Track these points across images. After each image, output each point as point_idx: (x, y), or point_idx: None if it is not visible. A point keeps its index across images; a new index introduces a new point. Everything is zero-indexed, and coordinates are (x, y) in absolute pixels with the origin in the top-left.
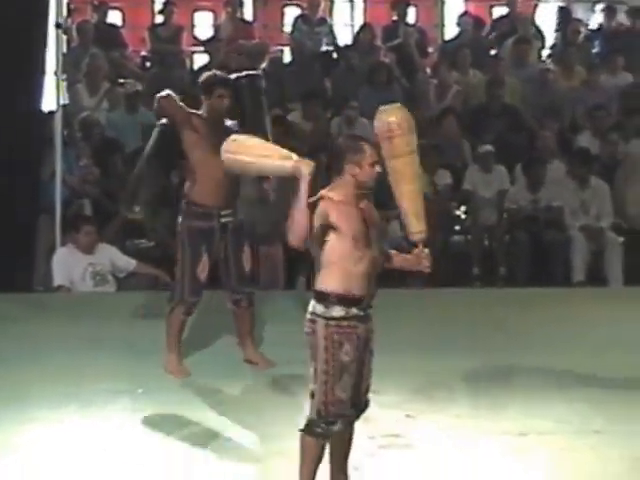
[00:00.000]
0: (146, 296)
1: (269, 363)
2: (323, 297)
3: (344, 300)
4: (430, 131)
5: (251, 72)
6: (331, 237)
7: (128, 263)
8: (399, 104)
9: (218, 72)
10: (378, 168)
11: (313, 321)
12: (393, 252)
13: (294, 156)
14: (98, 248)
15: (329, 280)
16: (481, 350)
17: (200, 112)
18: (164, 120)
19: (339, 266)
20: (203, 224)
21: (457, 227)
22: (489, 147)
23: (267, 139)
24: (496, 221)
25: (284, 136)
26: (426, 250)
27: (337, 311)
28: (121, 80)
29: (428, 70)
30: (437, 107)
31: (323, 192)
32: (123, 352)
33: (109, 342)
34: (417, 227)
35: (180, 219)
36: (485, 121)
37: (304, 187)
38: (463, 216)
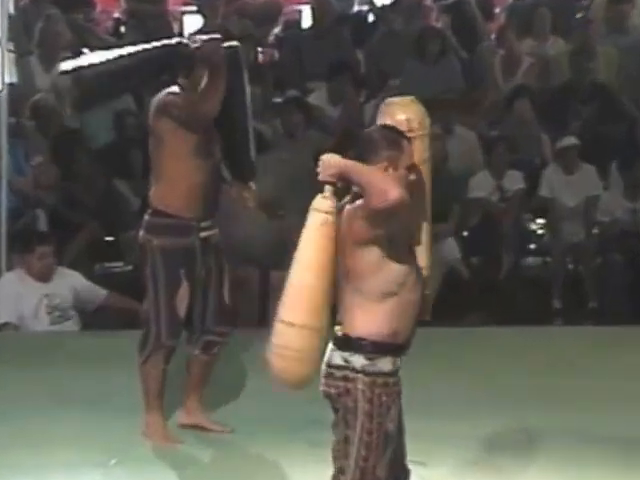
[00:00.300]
0: (120, 337)
1: (222, 427)
2: (363, 344)
3: (393, 348)
4: (496, 119)
5: (231, 44)
6: (379, 253)
7: (97, 294)
8: (412, 97)
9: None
10: (413, 175)
11: (347, 378)
12: None
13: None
14: (56, 274)
15: (375, 319)
16: (559, 407)
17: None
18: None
19: (396, 298)
20: (180, 241)
21: (532, 246)
22: (574, 140)
23: (246, 133)
24: (584, 238)
25: (303, 125)
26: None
27: (386, 364)
28: (87, 51)
29: (493, 37)
30: (505, 87)
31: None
32: (90, 411)
33: (72, 398)
34: (419, 261)
35: (146, 236)
36: (569, 105)
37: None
38: (540, 231)
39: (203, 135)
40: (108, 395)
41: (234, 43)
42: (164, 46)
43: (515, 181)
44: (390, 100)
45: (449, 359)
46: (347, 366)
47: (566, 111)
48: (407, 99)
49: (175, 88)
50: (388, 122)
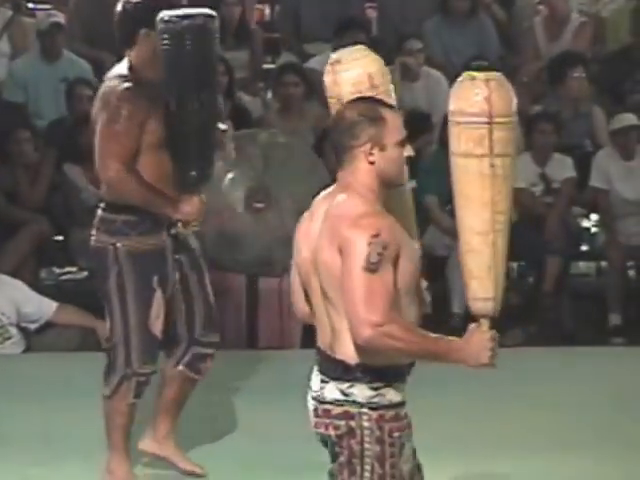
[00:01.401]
0: (73, 361)
1: (196, 467)
2: (366, 372)
3: (400, 374)
4: (539, 92)
5: (199, 11)
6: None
7: (44, 307)
8: (499, 73)
9: None
10: (409, 149)
11: (348, 415)
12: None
13: None
14: None
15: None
16: (622, 449)
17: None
18: None
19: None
20: (150, 241)
21: (584, 247)
22: (631, 118)
23: (217, 116)
24: None
25: (301, 97)
26: (491, 331)
27: (394, 394)
28: (31, 6)
29: None
30: (548, 52)
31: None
32: (34, 455)
33: (10, 437)
34: (484, 290)
35: (105, 238)
36: (629, 76)
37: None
38: (593, 230)
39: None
40: (56, 434)
41: (207, 12)
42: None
43: (563, 168)
44: (471, 74)
45: (482, 386)
46: (347, 400)
47: (625, 83)
48: (490, 75)
49: (124, 69)
50: (461, 102)
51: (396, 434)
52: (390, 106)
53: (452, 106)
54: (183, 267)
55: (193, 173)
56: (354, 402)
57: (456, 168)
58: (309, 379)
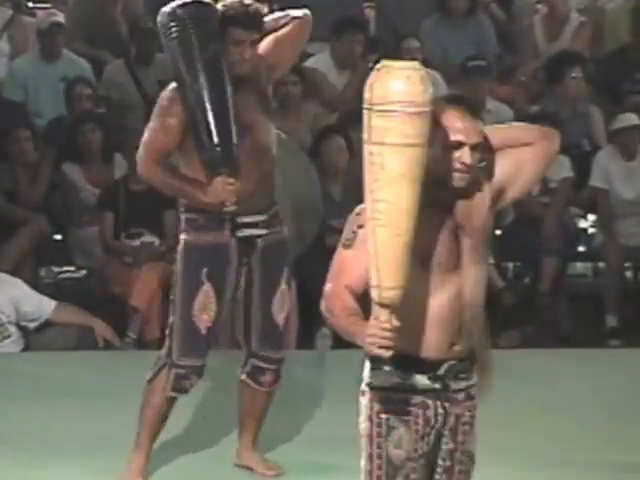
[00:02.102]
0: (72, 360)
1: (272, 470)
2: (370, 357)
3: (401, 361)
4: (537, 91)
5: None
6: None
7: (43, 306)
8: (413, 63)
9: None
10: (466, 156)
11: (361, 392)
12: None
13: None
14: None
15: None
16: (621, 452)
17: None
18: None
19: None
20: (206, 237)
21: (581, 248)
22: (633, 118)
23: (226, 112)
24: None
25: (299, 96)
26: (393, 320)
27: (387, 377)
28: (30, 5)
29: None
30: (548, 52)
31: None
32: (34, 450)
33: (11, 434)
34: (389, 279)
35: (179, 234)
36: (628, 74)
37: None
38: (591, 231)
39: None
40: (55, 432)
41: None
42: None
43: (560, 168)
44: (387, 63)
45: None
46: (363, 378)
47: (624, 83)
48: (410, 65)
49: None
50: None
51: (383, 416)
52: (460, 104)
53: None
54: (252, 274)
55: (217, 150)
56: (362, 379)
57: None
58: (304, 380)
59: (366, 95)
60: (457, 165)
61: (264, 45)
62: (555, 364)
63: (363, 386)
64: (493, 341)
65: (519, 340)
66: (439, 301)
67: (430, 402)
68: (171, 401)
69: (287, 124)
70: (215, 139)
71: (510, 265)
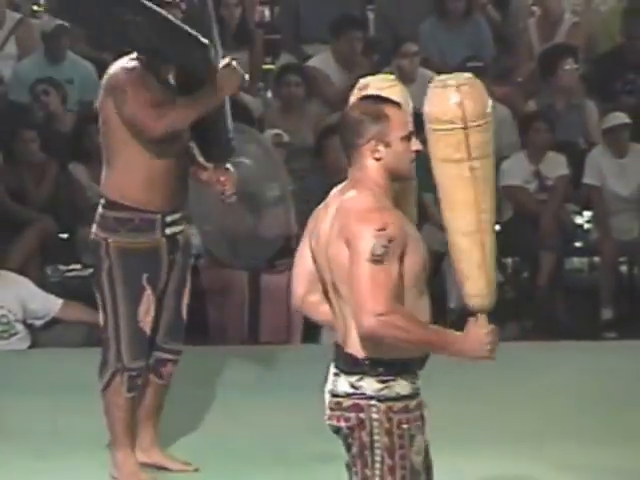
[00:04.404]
0: (78, 356)
1: (185, 464)
2: (373, 365)
3: (408, 367)
4: (534, 90)
5: None
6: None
7: (49, 304)
8: (469, 75)
9: None
10: (416, 143)
11: (358, 407)
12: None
13: None
14: (0, 280)
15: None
16: (615, 443)
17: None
18: None
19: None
20: (142, 239)
21: (577, 244)
22: (622, 117)
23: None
24: (639, 234)
25: (302, 96)
26: (489, 325)
27: (402, 387)
28: (36, 8)
29: None
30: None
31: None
32: (41, 448)
33: (19, 429)
34: (477, 288)
35: (99, 233)
36: (621, 75)
37: None
38: (587, 226)
39: None
40: (62, 428)
41: None
42: None
43: (557, 166)
44: (444, 78)
45: (478, 379)
46: (356, 392)
47: (616, 83)
48: (467, 77)
49: (133, 62)
50: (436, 108)
51: (405, 426)
52: (395, 102)
53: (427, 113)
54: (173, 269)
55: (230, 137)
56: (363, 394)
57: (438, 173)
58: (309, 374)
59: (454, 114)
60: (412, 155)
61: None
62: (553, 356)
63: (371, 402)
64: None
65: (518, 333)
66: (425, 303)
67: (421, 399)
68: (132, 400)
69: (290, 124)
70: (229, 130)
71: (509, 260)
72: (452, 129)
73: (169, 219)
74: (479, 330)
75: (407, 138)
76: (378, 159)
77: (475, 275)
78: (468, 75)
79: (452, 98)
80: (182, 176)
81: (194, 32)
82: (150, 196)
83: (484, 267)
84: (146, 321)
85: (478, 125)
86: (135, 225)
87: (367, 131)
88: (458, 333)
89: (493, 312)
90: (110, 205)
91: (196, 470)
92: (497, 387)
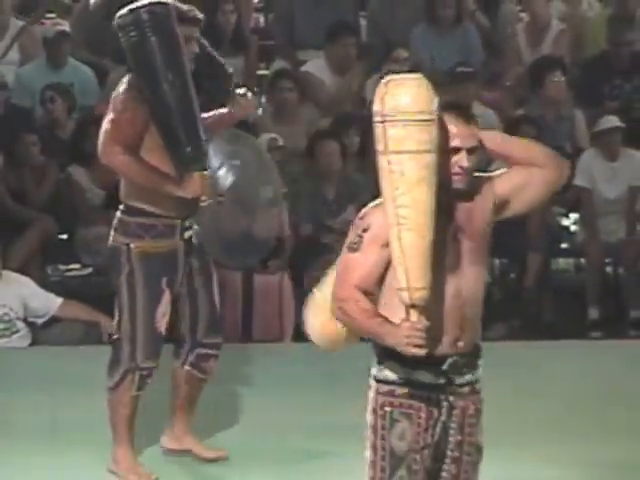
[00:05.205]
0: (77, 354)
1: (215, 452)
2: (375, 348)
3: (398, 355)
4: (522, 96)
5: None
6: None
7: (49, 303)
8: (416, 75)
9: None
10: (463, 159)
11: (370, 387)
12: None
13: None
14: (1, 280)
15: None
16: (602, 437)
17: None
18: None
19: (394, 306)
20: (162, 244)
21: (564, 245)
22: (615, 120)
23: (192, 110)
24: (625, 236)
25: (296, 102)
26: (422, 320)
27: (392, 372)
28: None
29: None
30: (531, 58)
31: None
32: (42, 444)
33: (19, 426)
34: (418, 280)
35: (120, 238)
36: (607, 80)
37: None
38: (573, 228)
39: None
40: (62, 424)
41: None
42: None
43: None
44: (391, 78)
45: None
46: (369, 373)
47: (604, 87)
48: (411, 77)
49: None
50: (381, 105)
51: (387, 408)
52: (455, 110)
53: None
54: (192, 270)
55: (188, 149)
56: (370, 375)
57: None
58: (301, 371)
59: (377, 108)
60: (455, 169)
61: None
62: (540, 355)
63: (370, 380)
64: (481, 335)
65: (506, 332)
66: (440, 300)
67: (434, 396)
68: (137, 398)
69: (283, 128)
70: (187, 138)
71: (497, 261)
72: (375, 121)
73: (186, 223)
74: (403, 323)
75: (449, 152)
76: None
77: (397, 269)
78: (415, 75)
79: (379, 93)
80: None
81: (190, 131)
82: (172, 203)
83: (403, 262)
84: (162, 322)
85: (396, 120)
86: (159, 231)
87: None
88: (393, 325)
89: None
90: (132, 211)
91: (226, 458)
92: (483, 386)
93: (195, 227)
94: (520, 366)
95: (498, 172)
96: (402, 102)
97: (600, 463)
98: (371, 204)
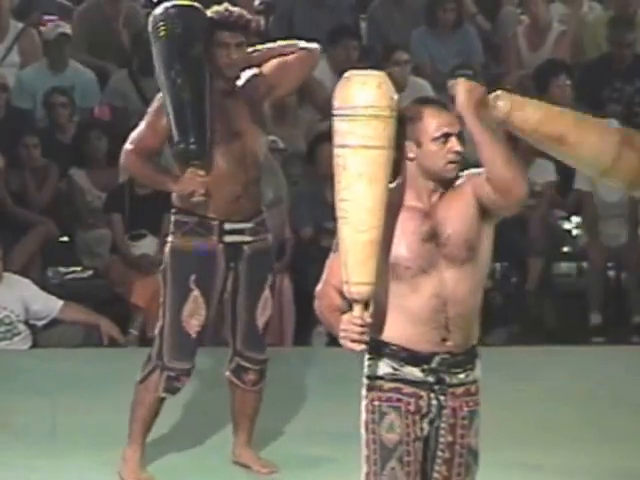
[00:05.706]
0: (78, 356)
1: (267, 467)
2: (368, 349)
3: (395, 352)
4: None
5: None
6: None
7: (50, 305)
8: (375, 73)
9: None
10: (456, 144)
11: (363, 384)
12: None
13: None
14: (2, 282)
15: (374, 322)
16: (602, 444)
17: None
18: None
19: (385, 300)
20: (194, 242)
21: (566, 249)
22: (615, 123)
23: (202, 107)
24: (627, 240)
25: (295, 103)
26: (365, 315)
27: (380, 367)
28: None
29: (516, 0)
30: (530, 60)
31: None
32: (41, 446)
33: (20, 428)
34: (356, 275)
35: (165, 235)
36: (608, 82)
37: None
38: (575, 232)
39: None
40: (62, 426)
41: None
42: None
43: (545, 172)
44: (352, 74)
45: None
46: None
47: (604, 90)
48: (375, 74)
49: None
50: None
51: (376, 403)
52: (435, 103)
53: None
54: (238, 279)
55: (192, 147)
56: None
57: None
58: (301, 375)
59: (333, 103)
60: (450, 156)
61: (269, 65)
62: (541, 360)
63: (363, 379)
64: (483, 339)
65: (506, 337)
66: (417, 300)
67: (423, 393)
68: (162, 400)
69: (283, 131)
70: (190, 133)
71: (498, 265)
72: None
73: (229, 227)
74: (343, 317)
75: (440, 139)
76: (412, 159)
77: (341, 262)
78: (372, 72)
79: (337, 87)
80: (246, 183)
81: (190, 124)
82: (209, 202)
83: (344, 256)
84: (191, 323)
85: (342, 115)
86: (189, 228)
87: (404, 131)
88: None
89: (482, 317)
90: (172, 209)
91: (274, 471)
92: (484, 391)
93: (250, 237)
94: (521, 371)
95: (475, 172)
96: (349, 96)
97: (603, 469)
98: None
